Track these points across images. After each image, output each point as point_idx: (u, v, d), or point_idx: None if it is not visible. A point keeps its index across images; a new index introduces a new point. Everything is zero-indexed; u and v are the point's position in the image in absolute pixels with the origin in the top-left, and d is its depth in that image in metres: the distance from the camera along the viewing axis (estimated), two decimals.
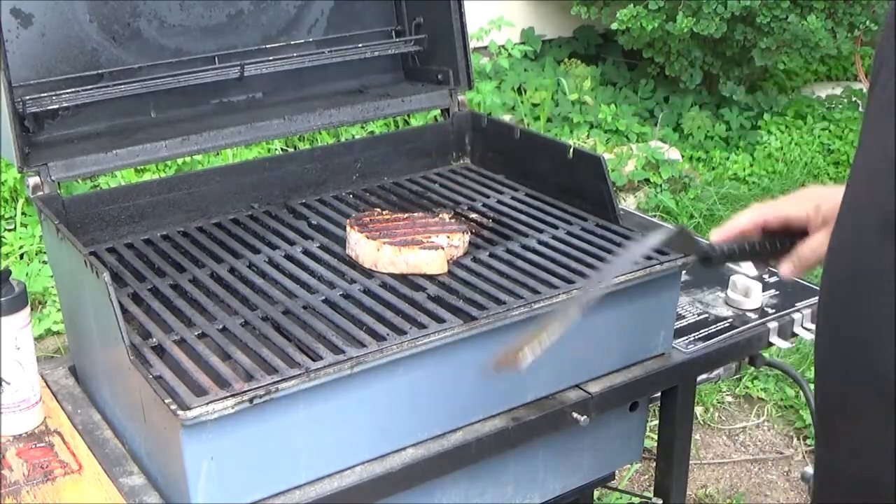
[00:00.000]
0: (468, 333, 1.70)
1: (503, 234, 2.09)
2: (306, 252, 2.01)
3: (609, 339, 1.93)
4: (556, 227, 2.10)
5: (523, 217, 2.15)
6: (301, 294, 1.84)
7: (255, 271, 1.94)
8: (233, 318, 1.74)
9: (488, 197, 2.25)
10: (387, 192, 2.30)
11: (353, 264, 1.95)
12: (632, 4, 5.50)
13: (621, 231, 2.06)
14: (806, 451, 3.78)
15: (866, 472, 1.20)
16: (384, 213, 2.05)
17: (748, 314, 2.19)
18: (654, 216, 4.44)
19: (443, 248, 1.90)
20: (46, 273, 4.05)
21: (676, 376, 2.05)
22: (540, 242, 2.04)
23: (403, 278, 1.89)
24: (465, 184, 2.33)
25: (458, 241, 1.96)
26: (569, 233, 2.07)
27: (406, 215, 2.04)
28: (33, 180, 1.91)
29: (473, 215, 2.17)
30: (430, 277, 1.88)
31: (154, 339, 1.69)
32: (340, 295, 1.84)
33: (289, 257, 2.00)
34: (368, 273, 1.91)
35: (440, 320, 1.72)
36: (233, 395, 1.48)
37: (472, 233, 2.06)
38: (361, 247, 1.92)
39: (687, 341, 2.10)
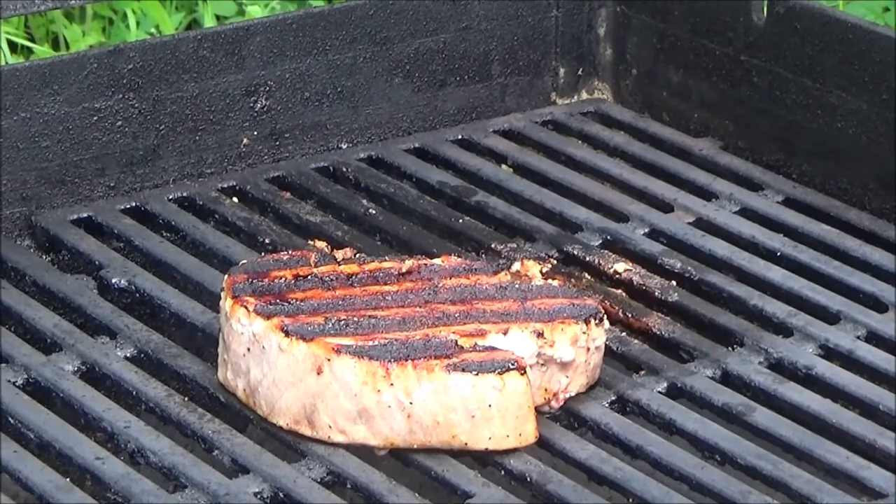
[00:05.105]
0: None
1: (715, 328, 1.36)
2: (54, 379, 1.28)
3: None
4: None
5: (777, 275, 1.41)
6: None
7: None
8: None
9: (667, 208, 1.53)
10: (350, 189, 1.57)
11: (238, 413, 1.25)
12: None
13: None
14: None
15: None
16: (341, 253, 1.36)
17: None
18: None
19: (523, 371, 1.20)
20: None
21: None
22: (835, 354, 1.33)
23: (395, 460, 1.22)
24: (593, 165, 1.60)
25: (565, 347, 1.23)
26: None
27: (409, 263, 1.35)
28: None
29: (617, 266, 1.46)
30: (481, 459, 1.20)
31: None
32: None
33: None
34: (289, 444, 1.21)
35: None
36: None
37: (617, 319, 1.38)
38: (267, 359, 1.22)
39: None
